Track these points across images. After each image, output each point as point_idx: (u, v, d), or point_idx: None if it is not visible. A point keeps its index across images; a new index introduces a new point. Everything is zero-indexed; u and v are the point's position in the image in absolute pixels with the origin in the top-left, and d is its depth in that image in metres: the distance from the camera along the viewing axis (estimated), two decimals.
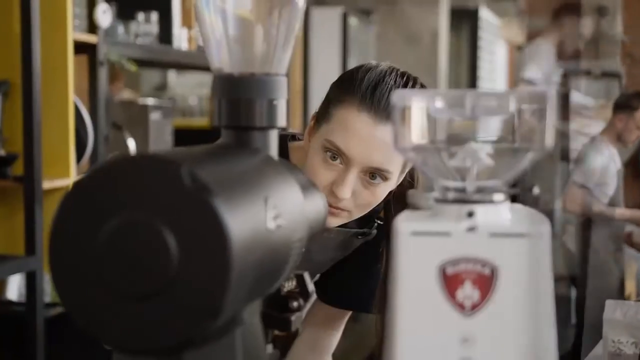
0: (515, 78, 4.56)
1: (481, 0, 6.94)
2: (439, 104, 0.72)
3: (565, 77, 4.41)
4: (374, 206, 1.30)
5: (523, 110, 0.71)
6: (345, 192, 1.24)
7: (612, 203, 4.20)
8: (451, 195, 0.72)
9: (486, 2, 7.45)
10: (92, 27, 2.65)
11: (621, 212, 4.15)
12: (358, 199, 1.27)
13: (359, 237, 1.41)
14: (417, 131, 0.73)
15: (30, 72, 2.35)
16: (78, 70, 2.62)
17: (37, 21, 2.36)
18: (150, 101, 3.15)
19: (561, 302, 4.26)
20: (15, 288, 2.65)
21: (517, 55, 9.84)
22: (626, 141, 4.27)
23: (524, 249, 0.68)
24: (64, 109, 2.47)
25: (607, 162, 4.11)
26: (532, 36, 9.91)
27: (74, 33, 2.53)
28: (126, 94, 4.03)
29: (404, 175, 1.34)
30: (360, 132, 1.22)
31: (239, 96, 0.81)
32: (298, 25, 0.85)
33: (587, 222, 4.25)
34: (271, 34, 0.83)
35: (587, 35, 4.56)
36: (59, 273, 0.63)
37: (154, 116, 3.04)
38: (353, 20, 4.85)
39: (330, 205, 1.25)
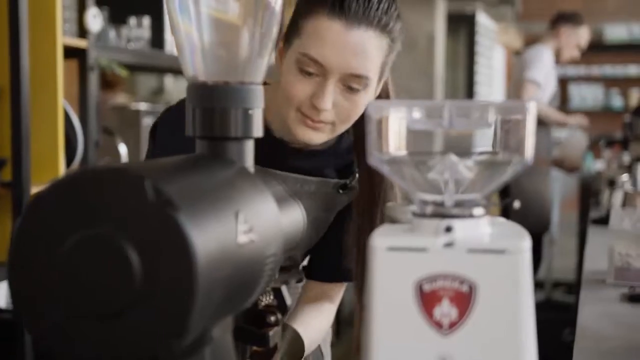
0: (516, 80, 4.56)
1: (478, 6, 6.92)
2: (416, 115, 0.69)
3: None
4: (355, 118, 1.28)
5: (503, 122, 0.68)
6: (326, 103, 1.22)
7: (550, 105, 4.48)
8: (429, 209, 0.70)
9: (483, 7, 7.43)
10: (83, 32, 2.62)
11: (559, 116, 4.47)
12: (339, 110, 1.25)
13: (340, 191, 1.39)
14: (393, 143, 0.71)
15: (18, 76, 2.32)
16: (68, 75, 2.59)
17: (26, 25, 2.34)
18: (143, 106, 3.12)
19: None
20: (3, 295, 2.62)
21: (515, 59, 9.83)
22: (563, 56, 4.51)
23: (503, 266, 0.66)
24: (54, 114, 2.44)
25: (550, 66, 4.39)
26: (529, 41, 9.91)
27: (64, 37, 2.50)
28: (122, 99, 4.01)
29: (381, 86, 1.33)
30: (334, 40, 1.20)
31: (213, 105, 0.79)
32: (275, 31, 0.83)
33: None
34: (247, 40, 0.81)
35: (584, 44, 4.61)
36: (18, 288, 0.61)
37: (147, 121, 3.02)
38: None
39: (312, 120, 1.25)
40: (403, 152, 0.72)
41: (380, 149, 0.70)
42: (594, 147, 9.72)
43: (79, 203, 0.60)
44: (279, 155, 1.33)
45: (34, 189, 2.35)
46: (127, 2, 2.96)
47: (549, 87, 4.47)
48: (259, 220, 0.71)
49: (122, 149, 2.88)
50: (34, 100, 2.39)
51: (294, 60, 1.24)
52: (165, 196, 0.59)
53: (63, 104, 2.48)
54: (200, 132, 0.79)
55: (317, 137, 1.27)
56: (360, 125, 1.30)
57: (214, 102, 0.79)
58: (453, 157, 0.70)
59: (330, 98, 1.23)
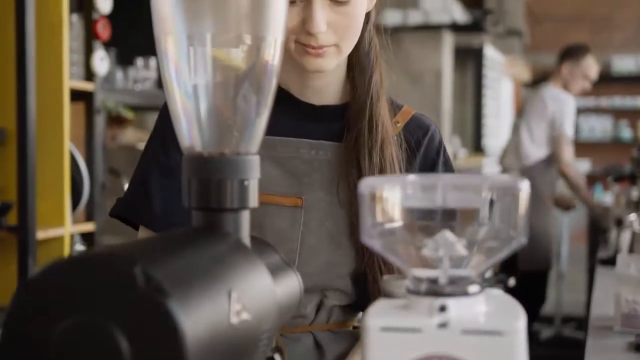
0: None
1: (486, 39, 6.94)
2: (409, 192, 0.69)
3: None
4: (359, 29, 1.21)
5: (496, 199, 0.68)
6: (318, 25, 1.15)
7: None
8: (423, 286, 0.69)
9: (491, 39, 7.45)
10: (90, 75, 2.64)
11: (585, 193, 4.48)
12: (337, 28, 1.17)
13: None
14: (386, 219, 0.70)
15: (25, 120, 2.33)
16: (75, 117, 2.61)
17: (33, 68, 2.36)
18: None
19: None
20: None
21: (525, 92, 9.85)
22: (572, 91, 4.51)
23: (498, 347, 0.65)
24: (60, 157, 2.45)
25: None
26: (537, 73, 9.93)
27: (71, 81, 2.52)
28: (130, 134, 4.02)
29: None
30: None
31: (209, 177, 0.79)
32: (270, 101, 0.83)
33: (531, 168, 4.44)
34: (243, 111, 0.81)
35: (592, 74, 4.62)
36: None
37: None
38: None
39: (312, 47, 1.18)
40: (397, 225, 0.71)
41: (373, 226, 0.70)
42: (603, 179, 9.70)
43: (69, 289, 0.60)
44: (295, 117, 1.27)
45: (40, 234, 2.36)
46: (135, 43, 2.97)
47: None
48: (253, 297, 0.70)
49: None
50: (40, 143, 2.40)
51: None
52: (155, 282, 0.59)
53: (69, 147, 2.49)
54: (196, 203, 0.79)
55: (326, 63, 1.20)
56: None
57: (210, 173, 0.79)
58: (448, 234, 0.70)
59: (322, 19, 1.15)
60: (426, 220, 0.71)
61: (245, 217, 0.80)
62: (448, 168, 1.28)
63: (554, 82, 4.61)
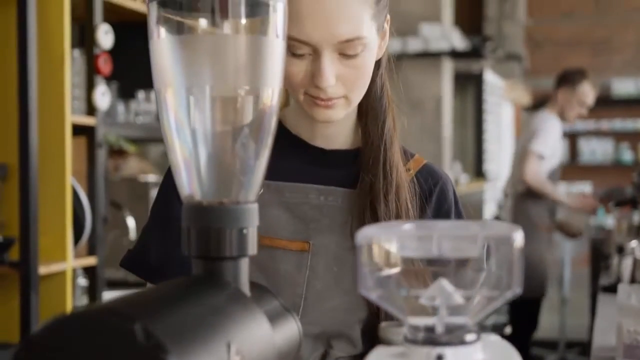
0: (522, 145, 4.56)
1: (485, 64, 6.98)
2: (406, 242, 0.70)
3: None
4: (368, 80, 1.19)
5: (491, 251, 0.69)
6: (326, 79, 1.13)
7: (550, 178, 4.45)
8: (420, 335, 0.70)
9: (491, 64, 7.50)
10: (91, 109, 2.66)
11: (558, 196, 4.46)
12: (345, 80, 1.16)
13: None
14: (383, 268, 0.71)
15: (27, 155, 2.35)
16: (76, 151, 2.63)
17: (35, 104, 2.38)
18: (152, 178, 3.15)
19: None
20: None
21: (524, 116, 9.89)
22: (568, 117, 4.50)
23: None
24: (62, 192, 2.46)
25: (557, 135, 4.41)
26: (537, 97, 9.97)
27: (73, 116, 2.54)
28: (133, 164, 4.04)
29: (386, 35, 1.25)
30: (309, 13, 1.11)
31: (209, 225, 0.80)
32: (268, 150, 0.84)
33: (524, 195, 4.43)
34: (241, 161, 0.82)
35: (589, 100, 4.62)
36: None
37: (155, 193, 3.03)
38: None
39: (321, 99, 1.17)
40: (393, 275, 0.72)
41: (371, 276, 0.71)
42: (605, 203, 9.71)
43: (70, 346, 0.60)
44: (305, 161, 1.27)
45: (42, 269, 2.37)
46: (136, 76, 2.99)
47: (555, 158, 4.48)
48: (252, 348, 0.71)
49: (130, 222, 2.90)
50: (42, 178, 2.41)
51: None
52: (155, 338, 0.59)
53: (71, 181, 2.50)
54: (196, 251, 0.80)
55: (335, 114, 1.19)
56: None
57: (209, 222, 0.80)
58: (444, 283, 0.71)
59: (330, 73, 1.14)
60: (423, 269, 0.72)
61: (244, 264, 0.81)
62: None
63: (550, 108, 4.64)
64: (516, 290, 0.68)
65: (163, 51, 0.80)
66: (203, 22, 0.87)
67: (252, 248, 0.81)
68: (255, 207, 0.82)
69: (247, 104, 0.81)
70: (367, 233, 0.71)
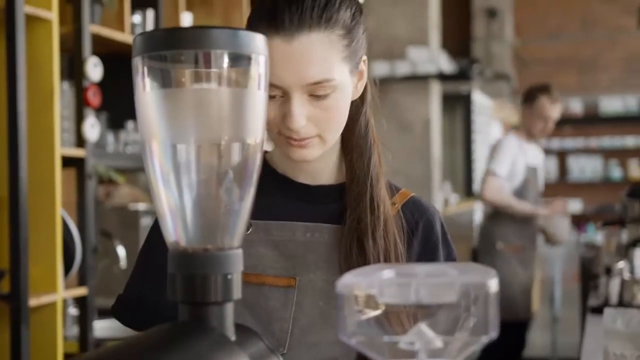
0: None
1: (474, 84, 7.04)
2: (385, 290, 0.72)
3: None
4: (343, 120, 1.21)
5: (468, 298, 0.71)
6: (296, 121, 1.15)
7: (518, 197, 4.40)
8: None
9: (479, 84, 7.56)
10: (81, 140, 2.68)
11: (523, 207, 4.39)
12: (317, 121, 1.18)
13: None
14: (363, 315, 0.73)
15: (17, 187, 2.37)
16: (66, 182, 2.64)
17: (25, 136, 2.39)
18: (142, 206, 3.16)
19: None
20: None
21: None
22: (534, 134, 4.45)
23: None
24: (52, 224, 2.48)
25: (515, 153, 4.35)
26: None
27: (62, 148, 2.56)
28: (125, 191, 4.05)
29: (363, 75, 1.25)
30: (278, 56, 1.14)
31: (194, 272, 0.82)
32: (251, 198, 0.86)
33: (490, 217, 4.41)
34: (225, 208, 0.84)
35: (551, 114, 4.47)
36: None
37: (145, 221, 3.05)
38: None
39: (294, 139, 1.18)
40: (373, 321, 0.74)
41: (351, 322, 0.73)
42: (595, 220, 9.75)
43: None
44: (291, 198, 1.28)
45: (32, 301, 2.37)
46: (125, 107, 3.02)
47: (517, 177, 4.42)
48: None
49: (121, 251, 2.91)
50: (33, 210, 2.43)
51: None
52: None
53: (61, 213, 2.52)
54: (181, 297, 0.82)
55: (310, 154, 1.21)
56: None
57: (195, 269, 0.82)
58: (423, 327, 0.73)
59: (300, 115, 1.16)
60: (402, 315, 0.74)
61: (229, 309, 0.83)
62: (450, 255, 1.30)
63: (518, 129, 4.66)
64: (492, 334, 0.71)
65: (148, 104, 0.82)
66: (187, 76, 0.90)
67: (237, 292, 0.83)
68: (239, 252, 0.84)
69: (231, 153, 0.84)
70: (347, 281, 0.73)
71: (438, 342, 0.73)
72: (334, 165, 1.31)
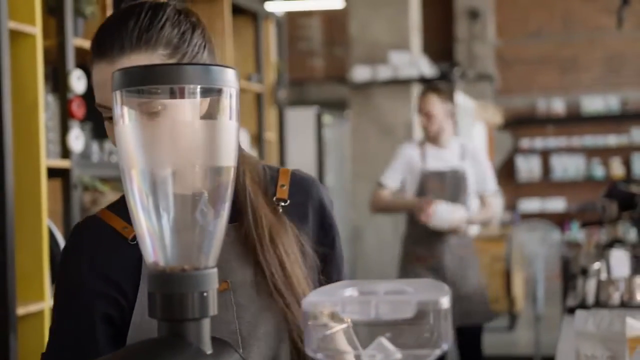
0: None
1: (457, 86, 7.11)
2: (347, 307, 0.78)
3: None
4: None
5: (423, 313, 0.77)
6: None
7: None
8: None
9: (462, 85, 7.63)
10: (66, 152, 2.73)
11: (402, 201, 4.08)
12: None
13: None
14: (327, 331, 0.80)
15: (3, 199, 2.41)
16: (52, 193, 2.69)
17: (11, 148, 2.44)
18: None
19: None
20: None
21: (496, 135, 10.05)
22: (427, 136, 4.13)
23: None
24: (38, 234, 2.53)
25: (409, 163, 4.06)
26: (509, 116, 10.12)
27: (48, 159, 2.61)
28: (111, 197, 4.09)
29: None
30: (105, 79, 1.19)
31: (172, 291, 0.88)
32: (225, 219, 0.92)
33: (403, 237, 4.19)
34: (201, 230, 0.90)
35: (422, 108, 4.12)
36: None
37: None
38: (327, 118, 4.96)
39: None
40: (337, 336, 0.80)
41: (315, 337, 0.79)
42: (578, 217, 9.86)
43: None
44: None
45: (20, 309, 2.43)
46: None
47: (411, 184, 4.22)
48: None
49: None
50: (19, 221, 2.48)
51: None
52: None
53: (47, 223, 2.57)
54: (160, 314, 0.88)
55: None
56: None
57: (173, 288, 0.88)
58: (383, 341, 0.79)
59: None
60: (363, 330, 0.81)
61: (206, 324, 0.90)
62: (334, 229, 1.37)
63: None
64: (444, 347, 0.77)
65: (127, 136, 0.88)
66: (163, 108, 0.96)
67: (213, 309, 0.89)
68: (214, 271, 0.91)
69: (206, 178, 0.90)
70: (312, 299, 0.79)
71: (397, 354, 0.79)
72: None
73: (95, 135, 3.05)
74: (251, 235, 1.29)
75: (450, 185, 4.12)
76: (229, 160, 0.90)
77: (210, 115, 0.89)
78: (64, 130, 2.72)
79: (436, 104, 4.04)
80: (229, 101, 0.89)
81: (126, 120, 0.88)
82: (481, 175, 4.13)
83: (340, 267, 1.40)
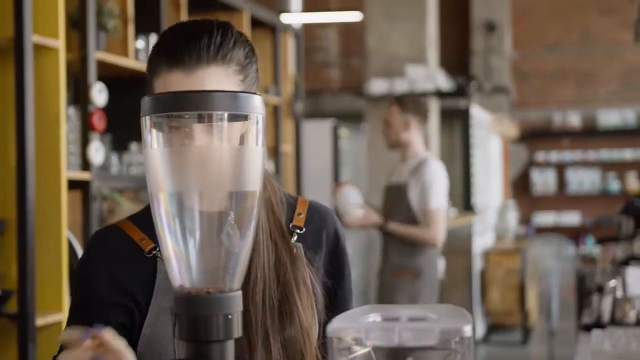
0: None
1: (473, 99, 7.11)
2: (371, 334, 0.80)
3: None
4: None
5: (446, 341, 0.79)
6: None
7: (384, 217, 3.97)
8: None
9: (478, 98, 7.63)
10: (86, 164, 2.76)
11: (395, 226, 3.90)
12: None
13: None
14: (352, 356, 0.81)
15: (24, 210, 2.44)
16: (71, 204, 2.72)
17: (33, 161, 2.47)
18: None
19: None
20: None
21: (512, 147, 10.03)
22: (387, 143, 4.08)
23: None
24: (58, 246, 2.55)
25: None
26: (525, 129, 10.09)
27: (68, 171, 2.63)
28: (128, 206, 4.11)
29: None
30: (177, 88, 1.20)
31: (197, 313, 0.89)
32: (250, 242, 0.94)
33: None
34: (226, 252, 0.92)
35: (385, 118, 4.11)
36: None
37: None
38: (343, 131, 4.98)
39: None
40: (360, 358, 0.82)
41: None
42: (594, 232, 9.82)
43: None
44: None
45: (39, 320, 2.45)
46: (129, 129, 3.10)
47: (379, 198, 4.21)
48: None
49: None
50: (39, 232, 2.50)
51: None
52: None
53: (67, 234, 2.59)
54: (185, 336, 0.90)
55: None
56: None
57: (198, 310, 0.90)
58: None
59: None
60: (385, 354, 0.82)
61: (230, 346, 0.91)
62: (346, 261, 1.37)
63: None
64: None
65: (156, 160, 0.90)
66: (191, 134, 0.98)
67: (237, 331, 0.91)
68: (239, 294, 0.92)
69: (232, 202, 0.92)
70: (336, 325, 0.81)
71: None
72: None
73: (115, 147, 3.08)
74: (258, 262, 1.28)
75: (389, 199, 4.06)
76: (255, 184, 0.92)
77: (237, 140, 0.91)
78: (85, 142, 2.75)
79: (394, 114, 4.01)
80: (256, 127, 0.91)
81: (154, 144, 0.90)
82: (423, 192, 3.94)
83: (349, 301, 1.39)
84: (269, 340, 1.24)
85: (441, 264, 4.16)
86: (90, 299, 1.28)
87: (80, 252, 2.68)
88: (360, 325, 0.80)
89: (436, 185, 3.94)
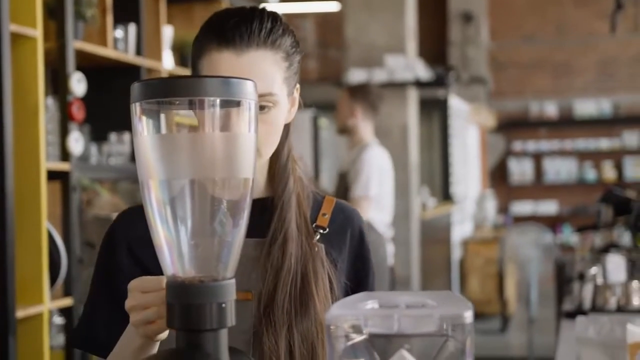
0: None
1: (451, 89, 7.13)
2: (369, 321, 0.79)
3: None
4: (278, 137, 1.27)
5: (445, 327, 0.78)
6: None
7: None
8: None
9: (456, 89, 7.64)
10: (65, 154, 2.72)
11: None
12: (258, 133, 1.20)
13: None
14: (349, 343, 0.80)
15: (4, 201, 2.41)
16: (51, 195, 2.69)
17: (11, 151, 2.44)
18: None
19: None
20: None
21: (489, 137, 10.07)
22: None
23: None
24: (38, 237, 2.52)
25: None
26: (502, 118, 10.14)
27: (47, 162, 2.60)
28: (106, 198, 4.08)
29: (295, 103, 1.32)
30: (227, 67, 1.21)
31: (190, 302, 0.88)
32: (243, 230, 0.92)
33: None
34: (219, 241, 0.91)
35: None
36: None
37: None
38: (323, 122, 4.96)
39: None
40: (359, 348, 0.81)
41: (338, 350, 0.79)
42: (571, 220, 9.89)
43: None
44: None
45: (19, 312, 2.42)
46: (108, 119, 3.07)
47: None
48: None
49: None
50: (19, 223, 2.47)
51: None
52: None
53: (46, 225, 2.56)
54: (179, 325, 0.89)
55: None
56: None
57: (191, 299, 0.88)
58: (404, 353, 0.80)
59: None
60: (384, 341, 0.81)
61: (224, 335, 0.90)
62: (370, 263, 1.37)
63: None
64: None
65: (146, 147, 0.88)
66: (182, 121, 0.96)
67: (231, 319, 0.90)
68: (232, 282, 0.91)
69: (224, 189, 0.90)
70: (334, 312, 0.80)
71: None
72: (262, 181, 1.33)
73: (94, 138, 3.04)
74: (276, 255, 1.27)
75: (338, 186, 4.13)
76: (247, 172, 0.90)
77: (229, 127, 0.90)
78: (64, 132, 2.71)
79: (343, 100, 4.10)
80: (248, 113, 0.90)
81: (144, 131, 0.89)
82: (354, 179, 3.98)
83: None
84: (291, 329, 1.24)
85: (390, 249, 4.14)
86: (111, 270, 1.29)
87: (60, 243, 2.66)
88: (359, 312, 0.79)
89: (364, 173, 3.94)
